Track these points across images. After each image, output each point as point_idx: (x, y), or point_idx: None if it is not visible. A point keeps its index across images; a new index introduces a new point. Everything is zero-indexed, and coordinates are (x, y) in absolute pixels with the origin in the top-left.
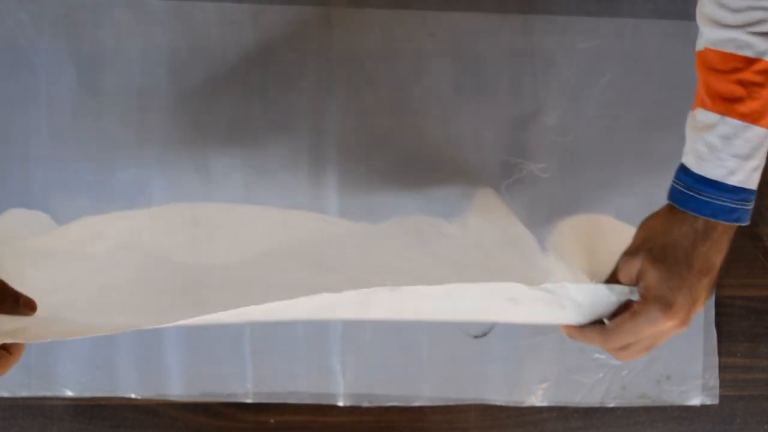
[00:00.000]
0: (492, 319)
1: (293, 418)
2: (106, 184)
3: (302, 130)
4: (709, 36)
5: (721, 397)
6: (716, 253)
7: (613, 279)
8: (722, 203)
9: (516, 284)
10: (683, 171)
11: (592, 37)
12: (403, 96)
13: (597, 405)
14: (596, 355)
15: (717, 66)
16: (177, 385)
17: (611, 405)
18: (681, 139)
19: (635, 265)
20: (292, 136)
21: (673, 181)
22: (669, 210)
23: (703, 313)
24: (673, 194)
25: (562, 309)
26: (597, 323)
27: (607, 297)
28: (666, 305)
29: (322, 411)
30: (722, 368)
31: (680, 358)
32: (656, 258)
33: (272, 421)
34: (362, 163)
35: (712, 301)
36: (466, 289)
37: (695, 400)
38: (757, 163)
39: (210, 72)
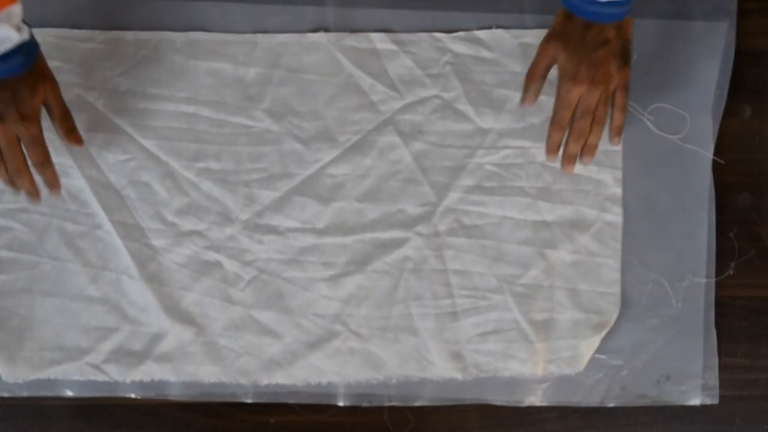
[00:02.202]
0: None
1: (293, 418)
2: None
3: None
4: None
5: (721, 397)
6: (607, 29)
7: (537, 61)
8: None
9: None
10: None
11: None
12: None
13: (597, 405)
14: (597, 355)
15: None
16: (177, 385)
17: (611, 405)
18: (681, 139)
19: (551, 49)
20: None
21: None
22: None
23: (703, 313)
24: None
25: None
26: None
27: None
28: (572, 75)
29: (322, 411)
30: (722, 368)
31: (680, 358)
32: (566, 43)
33: (272, 421)
34: None
35: (711, 301)
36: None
37: (695, 400)
38: None
39: None
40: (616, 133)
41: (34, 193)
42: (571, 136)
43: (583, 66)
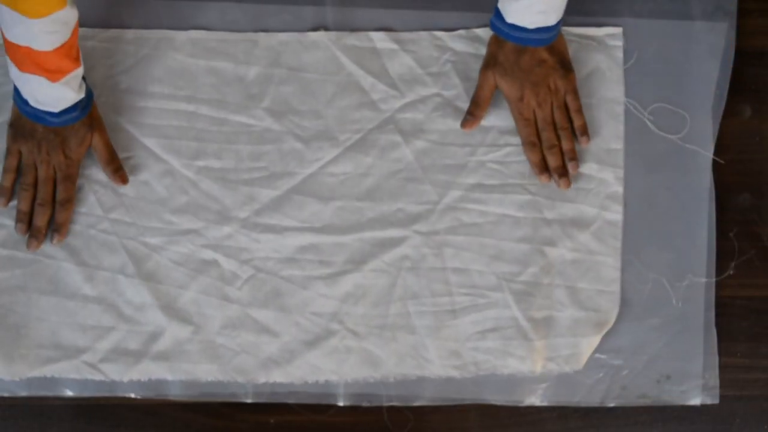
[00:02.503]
0: None
1: (293, 418)
2: None
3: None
4: None
5: (721, 397)
6: (539, 51)
7: (480, 90)
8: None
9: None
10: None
11: None
12: None
13: (597, 405)
14: (597, 355)
15: None
16: (177, 385)
17: (611, 405)
18: (681, 138)
19: (491, 79)
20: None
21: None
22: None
23: (703, 313)
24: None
25: None
26: None
27: None
28: (518, 98)
29: (322, 411)
30: (722, 368)
31: (680, 358)
32: (503, 71)
33: (272, 421)
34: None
35: (711, 300)
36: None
37: (695, 400)
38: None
39: None
40: (582, 132)
41: (42, 231)
42: (544, 150)
43: (526, 88)
